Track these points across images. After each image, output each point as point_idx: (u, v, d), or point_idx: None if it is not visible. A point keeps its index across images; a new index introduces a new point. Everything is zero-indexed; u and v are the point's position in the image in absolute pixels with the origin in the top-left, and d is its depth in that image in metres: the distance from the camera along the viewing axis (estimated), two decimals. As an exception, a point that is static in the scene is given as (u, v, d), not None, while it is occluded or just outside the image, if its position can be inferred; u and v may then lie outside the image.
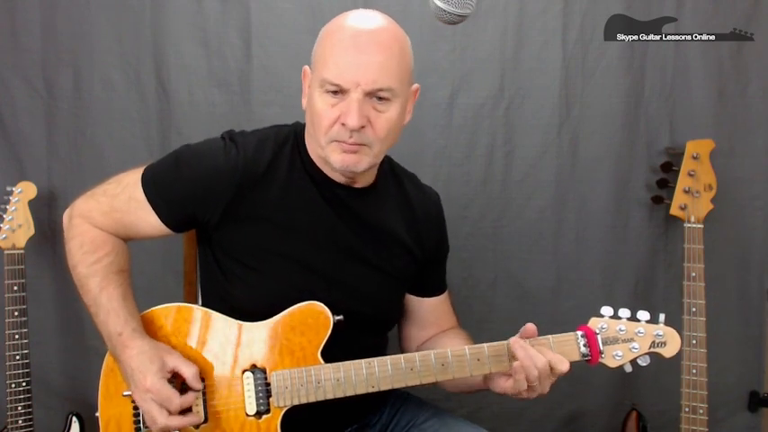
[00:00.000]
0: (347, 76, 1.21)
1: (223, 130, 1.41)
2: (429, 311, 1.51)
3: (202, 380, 1.27)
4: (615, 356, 1.27)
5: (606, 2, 2.01)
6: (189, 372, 1.25)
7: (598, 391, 2.12)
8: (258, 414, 1.27)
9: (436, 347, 1.41)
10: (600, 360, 1.27)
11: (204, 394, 1.28)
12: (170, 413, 1.22)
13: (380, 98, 1.24)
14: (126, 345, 1.26)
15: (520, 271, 2.12)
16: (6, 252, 1.89)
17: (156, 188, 1.33)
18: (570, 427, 2.16)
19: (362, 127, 1.23)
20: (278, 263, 1.32)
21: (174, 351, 1.28)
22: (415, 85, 1.33)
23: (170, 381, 1.24)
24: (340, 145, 1.25)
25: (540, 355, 1.22)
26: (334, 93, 1.23)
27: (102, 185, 1.38)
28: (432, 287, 1.51)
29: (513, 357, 1.25)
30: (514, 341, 1.25)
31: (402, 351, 1.52)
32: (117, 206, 1.34)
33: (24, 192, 1.93)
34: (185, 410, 1.25)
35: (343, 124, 1.23)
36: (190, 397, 1.25)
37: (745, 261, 2.08)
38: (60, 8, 2.04)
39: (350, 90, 1.22)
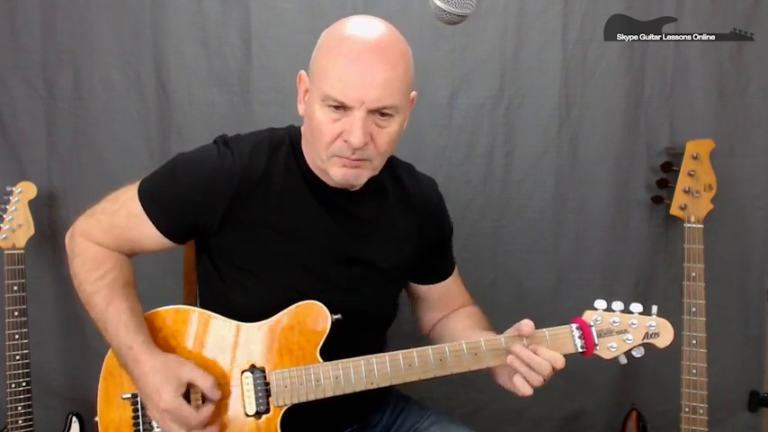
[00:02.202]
0: (351, 94, 1.19)
1: (223, 130, 1.41)
2: (438, 296, 1.53)
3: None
4: (610, 348, 1.28)
5: (606, 2, 2.01)
6: (206, 383, 1.24)
7: (598, 391, 2.12)
8: (258, 414, 1.27)
9: (448, 328, 1.47)
10: (595, 352, 1.28)
11: (203, 395, 1.27)
12: (190, 429, 1.23)
13: (383, 115, 1.23)
14: (138, 359, 1.25)
15: (520, 271, 2.11)
16: (6, 252, 1.89)
17: (153, 200, 1.32)
18: (570, 427, 2.16)
19: (364, 144, 1.23)
20: (276, 267, 1.32)
21: (188, 362, 1.26)
22: (413, 93, 1.32)
23: (186, 393, 1.24)
24: (341, 160, 1.25)
25: (545, 364, 1.22)
26: (336, 107, 1.22)
27: (100, 204, 1.37)
28: (437, 274, 1.52)
29: (510, 352, 1.26)
30: (514, 357, 1.25)
31: (419, 334, 1.57)
32: (116, 223, 1.34)
33: (24, 192, 1.92)
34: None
35: (345, 141, 1.22)
36: (207, 410, 1.24)
37: (745, 261, 2.08)
38: (60, 8, 2.04)
39: (353, 108, 1.20)
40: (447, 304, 1.54)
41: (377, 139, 1.24)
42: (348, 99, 1.20)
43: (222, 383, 1.28)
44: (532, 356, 1.23)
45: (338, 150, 1.24)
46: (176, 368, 1.24)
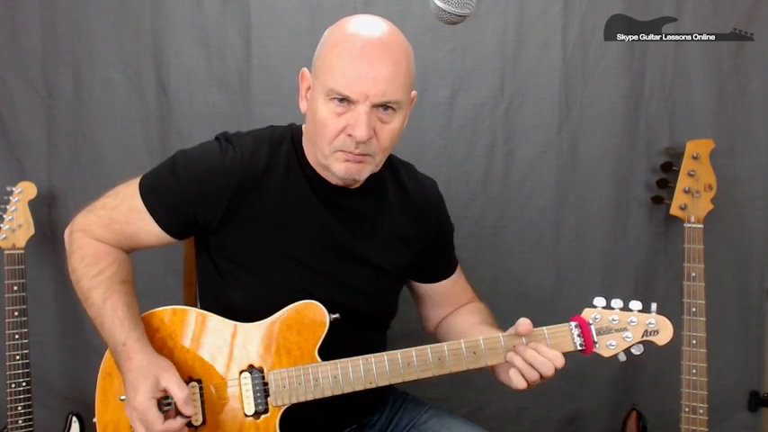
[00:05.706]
0: (356, 87, 1.20)
1: (223, 129, 1.41)
2: (442, 293, 1.54)
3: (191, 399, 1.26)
4: (609, 346, 1.28)
5: (606, 2, 2.01)
6: (180, 396, 1.20)
7: (598, 391, 2.12)
8: (257, 414, 1.27)
9: (454, 324, 1.47)
10: (594, 350, 1.29)
11: (202, 395, 1.28)
12: None
13: (386, 109, 1.24)
14: (129, 356, 1.24)
15: (520, 271, 2.11)
16: (6, 252, 1.89)
17: (154, 195, 1.32)
18: (570, 426, 2.15)
19: (369, 138, 1.23)
20: (275, 264, 1.32)
21: (171, 369, 1.24)
22: (413, 93, 1.33)
23: (163, 399, 1.21)
24: (344, 155, 1.25)
25: (548, 363, 1.23)
26: (340, 102, 1.23)
27: (99, 199, 1.37)
28: (439, 272, 1.53)
29: (510, 350, 1.26)
30: (514, 354, 1.25)
31: (424, 331, 1.57)
32: (116, 218, 1.34)
33: (24, 192, 1.93)
34: None
35: (349, 135, 1.23)
36: (175, 424, 1.20)
37: (745, 261, 2.08)
38: (60, 8, 2.05)
39: (358, 102, 1.21)
40: (451, 301, 1.55)
41: (380, 134, 1.25)
42: (353, 93, 1.21)
43: (220, 384, 1.28)
44: (536, 356, 1.23)
45: (341, 145, 1.25)
46: (158, 371, 1.22)
